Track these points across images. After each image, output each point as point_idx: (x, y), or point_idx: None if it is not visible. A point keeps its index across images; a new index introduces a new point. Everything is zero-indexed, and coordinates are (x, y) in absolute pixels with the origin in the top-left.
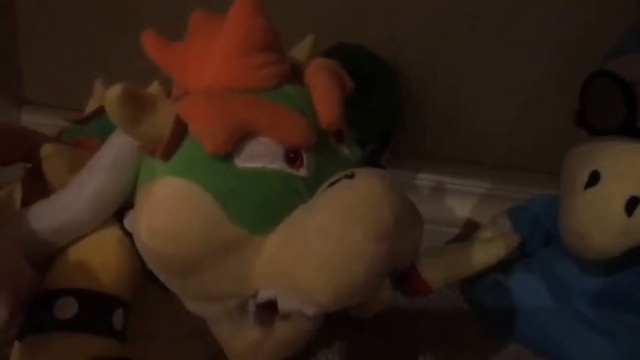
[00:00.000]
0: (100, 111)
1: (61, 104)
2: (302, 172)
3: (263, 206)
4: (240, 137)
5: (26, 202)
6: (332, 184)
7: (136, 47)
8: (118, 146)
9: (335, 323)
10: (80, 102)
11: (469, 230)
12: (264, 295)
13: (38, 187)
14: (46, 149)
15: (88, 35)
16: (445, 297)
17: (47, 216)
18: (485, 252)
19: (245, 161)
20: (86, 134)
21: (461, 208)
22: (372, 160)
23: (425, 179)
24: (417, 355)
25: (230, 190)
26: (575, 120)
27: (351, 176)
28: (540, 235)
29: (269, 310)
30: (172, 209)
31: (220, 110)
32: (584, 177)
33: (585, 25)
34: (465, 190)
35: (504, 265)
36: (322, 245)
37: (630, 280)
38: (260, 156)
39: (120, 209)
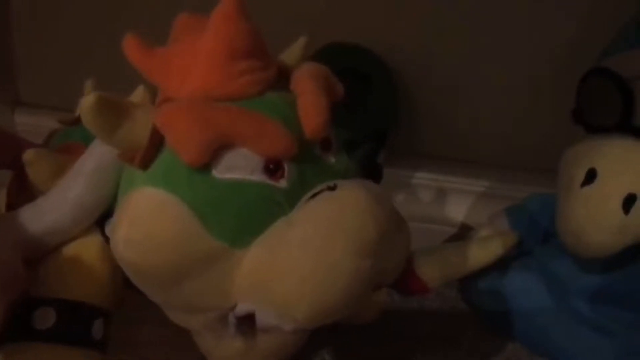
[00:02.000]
0: None
1: (55, 105)
2: (282, 183)
3: (242, 218)
4: (219, 148)
5: (11, 207)
6: (314, 196)
7: None
8: (100, 153)
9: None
10: (74, 103)
11: (466, 229)
12: (242, 308)
13: (23, 192)
14: (28, 154)
15: (82, 36)
16: (442, 296)
17: (30, 221)
18: (482, 251)
19: (224, 172)
20: (76, 137)
21: (458, 207)
22: (369, 160)
23: (422, 178)
24: (414, 355)
25: (208, 202)
26: (572, 118)
27: (333, 188)
28: (538, 233)
29: (249, 324)
30: (148, 221)
31: (197, 120)
32: (580, 175)
33: (583, 25)
34: (462, 189)
35: (501, 264)
36: (302, 259)
37: (628, 278)
38: (239, 167)
39: (102, 216)
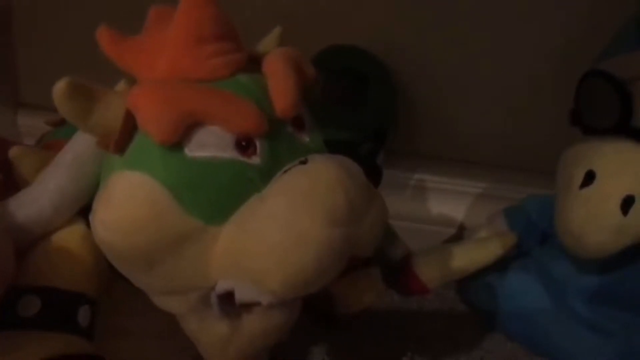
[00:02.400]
0: None
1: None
2: (255, 160)
3: (216, 196)
4: (189, 126)
5: None
6: (286, 171)
7: None
8: (79, 143)
9: (323, 320)
10: None
11: (465, 229)
12: (222, 286)
13: (11, 192)
14: (14, 150)
15: (84, 38)
16: (441, 297)
17: (13, 212)
18: (481, 252)
19: (195, 150)
20: (60, 136)
21: (457, 208)
22: (368, 161)
23: (420, 179)
24: (413, 355)
25: (181, 180)
26: (570, 120)
27: (305, 162)
28: (536, 234)
29: (230, 302)
30: (124, 202)
31: (166, 98)
32: (579, 177)
33: (581, 27)
34: (461, 189)
35: (499, 265)
36: (273, 231)
37: (626, 279)
38: (210, 145)
39: (87, 207)
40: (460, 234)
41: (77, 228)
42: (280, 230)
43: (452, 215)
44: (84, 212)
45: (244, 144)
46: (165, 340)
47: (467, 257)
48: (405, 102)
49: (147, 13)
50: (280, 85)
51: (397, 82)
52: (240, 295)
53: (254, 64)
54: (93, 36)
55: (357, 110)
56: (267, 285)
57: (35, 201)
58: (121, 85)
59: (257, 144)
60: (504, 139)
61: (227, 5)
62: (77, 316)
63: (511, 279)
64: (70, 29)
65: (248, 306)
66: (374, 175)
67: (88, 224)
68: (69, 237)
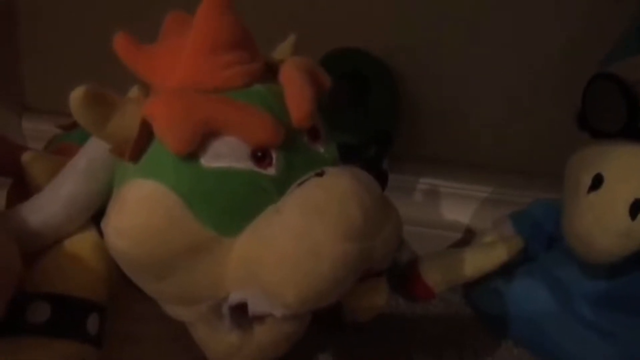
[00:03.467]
0: None
1: (62, 110)
2: (271, 171)
3: (230, 206)
4: (205, 136)
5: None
6: (302, 183)
7: None
8: (92, 150)
9: (331, 327)
10: None
11: (471, 234)
12: (235, 297)
13: (23, 197)
14: (26, 156)
15: (89, 41)
16: (447, 301)
17: (26, 217)
18: (487, 256)
19: (211, 160)
20: (71, 139)
21: (463, 212)
22: (373, 165)
23: (426, 183)
24: (418, 359)
25: (196, 190)
26: (577, 123)
27: (321, 174)
28: (542, 239)
29: (243, 314)
30: (138, 210)
31: (182, 108)
32: (587, 181)
33: (585, 29)
34: (467, 194)
35: (505, 269)
36: (288, 243)
37: (632, 283)
38: (226, 155)
39: (98, 213)
40: (466, 238)
41: (89, 235)
42: (297, 244)
43: (458, 220)
44: (95, 219)
45: (260, 155)
46: (171, 344)
47: (473, 262)
48: (410, 106)
49: (153, 17)
50: (296, 95)
51: (400, 85)
52: (254, 307)
53: (269, 72)
54: (98, 41)
55: (360, 113)
56: (281, 298)
57: (47, 206)
58: (134, 91)
59: (273, 154)
60: (510, 142)
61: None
62: (87, 324)
63: (517, 283)
64: (75, 34)
65: (260, 318)
66: (379, 179)
67: (100, 231)
68: (80, 244)
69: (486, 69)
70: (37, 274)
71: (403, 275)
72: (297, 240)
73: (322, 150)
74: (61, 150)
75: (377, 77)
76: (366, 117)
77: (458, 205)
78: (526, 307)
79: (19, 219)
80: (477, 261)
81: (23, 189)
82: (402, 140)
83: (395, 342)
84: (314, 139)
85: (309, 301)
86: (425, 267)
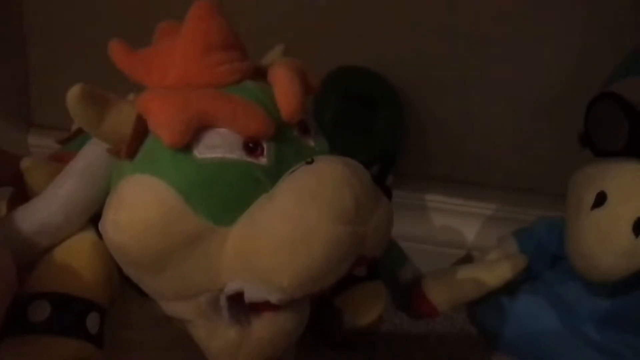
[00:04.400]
0: (82, 129)
1: (68, 127)
2: (263, 161)
3: (224, 196)
4: (198, 128)
5: None
6: (293, 171)
7: None
8: (91, 152)
9: (328, 342)
10: None
11: (474, 252)
12: (231, 287)
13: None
14: (25, 162)
15: (95, 57)
16: (450, 319)
17: (23, 220)
18: (491, 274)
19: (204, 152)
20: (70, 148)
21: (467, 230)
22: (377, 182)
23: (430, 201)
24: None
25: (191, 182)
26: (580, 142)
27: (311, 162)
28: (546, 257)
29: (240, 305)
30: (135, 204)
31: (176, 102)
32: (590, 198)
33: (588, 49)
34: (470, 211)
35: (509, 287)
36: (281, 228)
37: (637, 303)
38: (219, 146)
39: (97, 215)
40: (470, 256)
41: (88, 236)
42: (289, 227)
43: (462, 237)
44: (93, 221)
45: (252, 146)
46: (173, 352)
47: (477, 280)
48: (414, 124)
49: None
50: (285, 89)
51: (405, 103)
52: (250, 295)
53: (259, 75)
54: (104, 58)
55: (365, 131)
56: (276, 281)
57: (46, 208)
58: (131, 98)
59: (264, 145)
60: (514, 160)
61: (234, 27)
62: (87, 323)
63: (521, 301)
64: (81, 51)
65: (257, 310)
66: None
67: (98, 233)
68: (79, 244)
69: (490, 88)
70: (37, 275)
71: (407, 293)
72: (290, 225)
73: (312, 144)
74: (60, 158)
75: (384, 98)
76: (371, 139)
77: (462, 222)
78: (530, 326)
79: (16, 222)
80: (482, 279)
81: (23, 197)
82: (406, 157)
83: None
84: (304, 133)
85: (304, 285)
86: (430, 285)
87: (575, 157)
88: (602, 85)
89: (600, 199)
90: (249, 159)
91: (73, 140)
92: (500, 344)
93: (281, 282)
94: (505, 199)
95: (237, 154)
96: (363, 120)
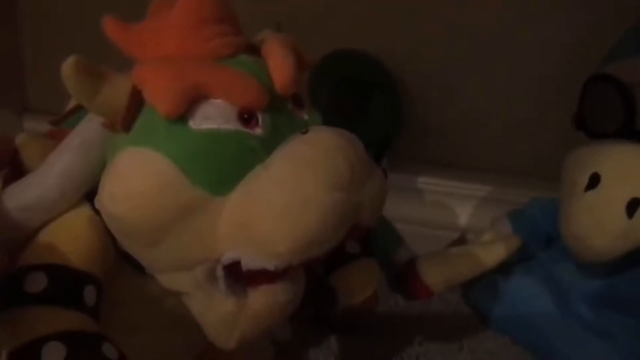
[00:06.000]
0: (77, 108)
1: (63, 111)
2: (258, 131)
3: (220, 166)
4: (194, 99)
5: None
6: (288, 142)
7: None
8: (86, 128)
9: (324, 324)
10: None
11: (469, 233)
12: (228, 257)
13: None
14: (20, 138)
15: (90, 42)
16: (445, 300)
17: (18, 195)
18: (485, 255)
19: (200, 123)
20: (65, 126)
21: (461, 212)
22: None
23: (425, 183)
24: (417, 358)
25: (187, 153)
26: (574, 124)
27: (306, 132)
28: (540, 238)
29: (237, 275)
30: (132, 175)
31: (171, 72)
32: (584, 180)
33: (584, 33)
34: (465, 194)
35: (503, 268)
36: (277, 195)
37: (631, 283)
38: (214, 117)
39: (92, 191)
40: (464, 237)
41: (83, 211)
42: (286, 195)
43: (456, 219)
44: (89, 197)
45: (246, 117)
46: (168, 331)
47: (471, 261)
48: (409, 108)
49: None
50: (278, 61)
51: (401, 87)
52: (247, 263)
53: (253, 51)
54: (99, 42)
55: (361, 118)
56: (274, 248)
57: (42, 184)
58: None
59: (259, 116)
60: (508, 143)
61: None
62: (84, 295)
63: (515, 282)
64: (76, 35)
65: (254, 281)
66: None
67: (94, 209)
68: (75, 219)
69: (486, 72)
70: (33, 248)
71: (402, 274)
72: (286, 192)
73: (306, 117)
74: (54, 135)
75: (380, 83)
76: (367, 124)
77: (456, 204)
78: (524, 306)
79: (14, 195)
80: (476, 260)
81: (19, 175)
82: (401, 140)
83: (394, 341)
84: (298, 106)
85: (300, 251)
86: (424, 266)
87: (570, 140)
88: (597, 67)
89: (594, 181)
90: (245, 130)
91: (66, 120)
92: (495, 324)
93: (278, 248)
94: (499, 181)
95: (232, 125)
96: (359, 105)
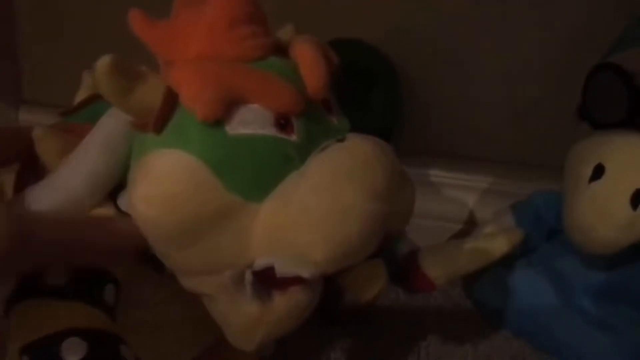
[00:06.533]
0: (89, 100)
1: (59, 103)
2: (293, 137)
3: (255, 172)
4: (230, 104)
5: (19, 192)
6: (324, 148)
7: (136, 47)
8: (109, 125)
9: (326, 318)
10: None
11: (471, 226)
12: (260, 262)
13: (32, 177)
14: (37, 131)
15: (86, 33)
16: (446, 293)
17: (46, 198)
18: (488, 248)
19: (236, 128)
20: (76, 120)
21: (464, 204)
22: None
23: (427, 175)
24: (419, 352)
25: (222, 157)
26: (578, 114)
27: (343, 140)
28: (543, 230)
29: (265, 280)
30: (166, 178)
31: (209, 76)
32: (588, 171)
33: (588, 21)
34: (468, 185)
35: (506, 261)
36: (317, 204)
37: (633, 275)
38: (251, 122)
39: (114, 190)
40: (466, 230)
41: (106, 211)
42: (325, 203)
43: (458, 211)
44: (111, 195)
45: (282, 122)
46: (178, 331)
47: (473, 254)
48: (411, 98)
49: (155, 8)
50: (311, 65)
51: (404, 78)
52: (281, 269)
53: (280, 51)
54: (95, 33)
55: (362, 106)
56: (311, 256)
57: (70, 185)
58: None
59: (294, 122)
60: (512, 134)
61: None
62: (104, 293)
63: (518, 275)
64: (72, 26)
65: (281, 285)
66: None
67: (116, 208)
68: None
69: (489, 61)
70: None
71: (403, 267)
72: (326, 201)
73: (335, 122)
74: (69, 129)
75: (381, 72)
76: (368, 114)
77: (459, 196)
78: (526, 299)
79: (41, 199)
80: (478, 253)
81: (33, 168)
82: (402, 131)
83: (395, 334)
84: (328, 111)
85: (337, 260)
86: (426, 259)
87: (574, 131)
88: (601, 57)
89: (598, 172)
90: (280, 135)
91: (77, 112)
92: (496, 317)
93: (315, 256)
94: (502, 173)
95: (268, 130)
96: (359, 95)
